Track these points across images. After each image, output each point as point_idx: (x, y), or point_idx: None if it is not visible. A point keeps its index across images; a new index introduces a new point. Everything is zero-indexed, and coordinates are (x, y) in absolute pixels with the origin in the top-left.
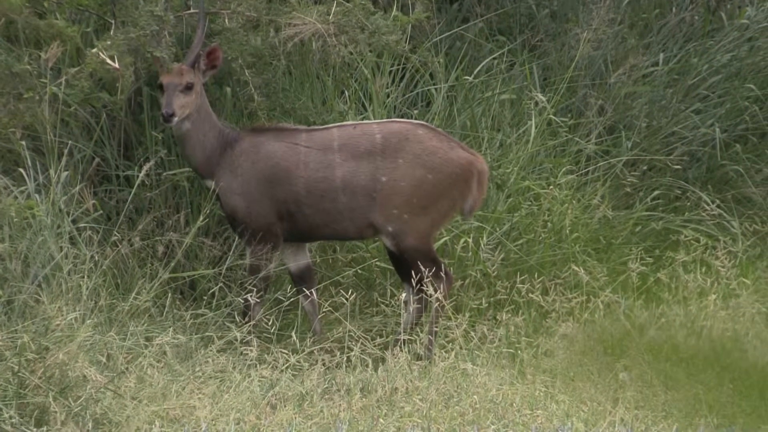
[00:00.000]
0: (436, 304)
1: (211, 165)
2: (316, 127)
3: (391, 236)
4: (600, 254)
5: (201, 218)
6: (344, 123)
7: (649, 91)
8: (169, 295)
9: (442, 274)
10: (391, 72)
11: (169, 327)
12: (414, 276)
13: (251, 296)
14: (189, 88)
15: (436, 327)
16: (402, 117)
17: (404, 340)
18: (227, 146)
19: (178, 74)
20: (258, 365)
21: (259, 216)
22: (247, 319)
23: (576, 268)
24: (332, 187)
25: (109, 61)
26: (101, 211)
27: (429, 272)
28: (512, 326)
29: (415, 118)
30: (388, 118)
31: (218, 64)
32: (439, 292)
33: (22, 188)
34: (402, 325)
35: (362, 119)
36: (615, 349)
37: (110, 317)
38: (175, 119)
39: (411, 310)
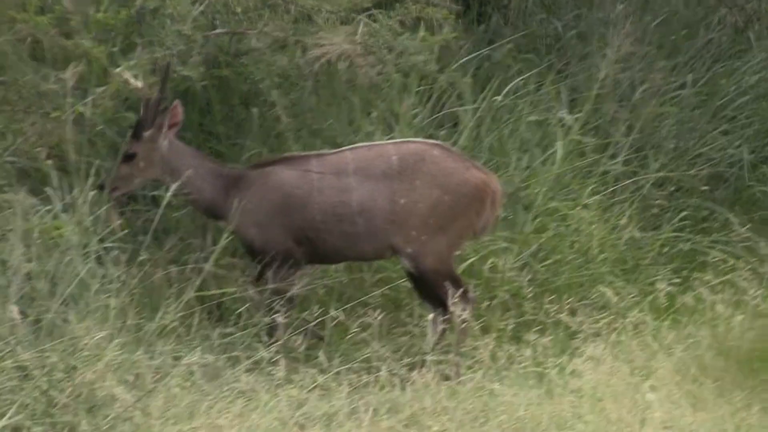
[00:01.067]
0: (462, 325)
1: (219, 208)
2: (326, 151)
3: (410, 258)
4: (627, 275)
5: (226, 237)
6: (357, 145)
7: (676, 112)
8: (197, 314)
9: (468, 295)
10: (418, 92)
11: (197, 347)
12: (436, 296)
13: (277, 317)
14: (129, 157)
15: (462, 347)
16: (429, 138)
17: (431, 360)
18: (231, 186)
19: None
20: (286, 385)
21: (276, 244)
22: (273, 339)
23: (604, 289)
24: (350, 211)
25: (132, 80)
26: (128, 231)
27: (452, 292)
28: (539, 347)
29: (442, 140)
30: (414, 138)
31: (178, 120)
32: (464, 312)
33: (49, 208)
34: (427, 345)
35: (389, 140)
36: (643, 369)
37: (138, 336)
38: (105, 190)
39: (435, 330)
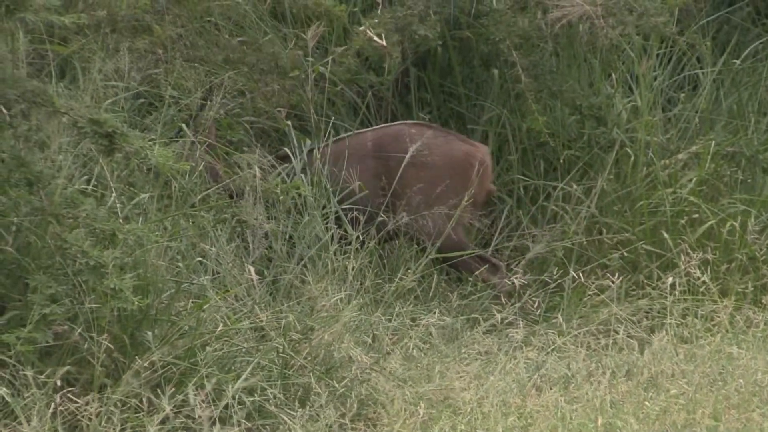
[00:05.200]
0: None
1: None
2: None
3: (411, 233)
4: None
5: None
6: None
7: None
8: (435, 275)
9: (496, 263)
10: (658, 55)
11: (435, 308)
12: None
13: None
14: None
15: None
16: (669, 101)
17: (670, 323)
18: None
19: None
20: (524, 347)
21: None
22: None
23: None
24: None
25: (376, 38)
26: (367, 192)
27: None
28: None
29: (681, 102)
30: (654, 101)
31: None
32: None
33: (287, 167)
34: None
35: (628, 102)
36: None
37: (376, 298)
38: None
39: None
